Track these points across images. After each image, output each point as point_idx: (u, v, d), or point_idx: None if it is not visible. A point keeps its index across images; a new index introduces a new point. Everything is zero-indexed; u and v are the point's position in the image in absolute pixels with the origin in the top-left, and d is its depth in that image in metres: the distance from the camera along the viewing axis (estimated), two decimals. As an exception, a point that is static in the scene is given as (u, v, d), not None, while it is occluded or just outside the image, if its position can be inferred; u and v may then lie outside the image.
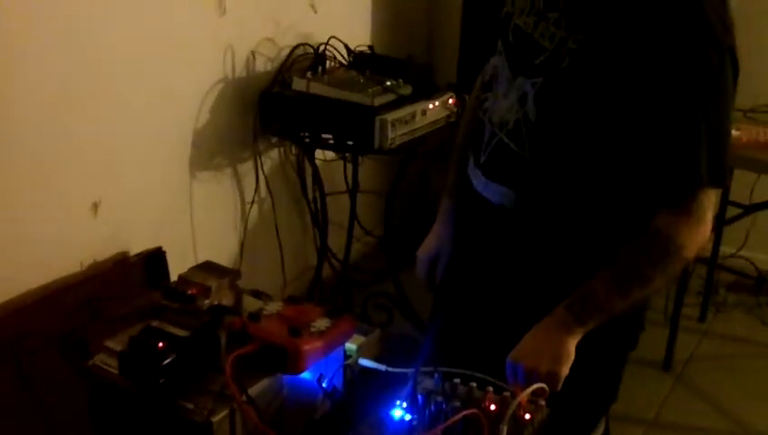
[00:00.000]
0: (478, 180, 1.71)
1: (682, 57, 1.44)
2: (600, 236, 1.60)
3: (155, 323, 1.41)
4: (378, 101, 2.75)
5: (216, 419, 1.30)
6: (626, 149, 1.52)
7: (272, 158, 3.15)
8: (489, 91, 1.72)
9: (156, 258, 2.53)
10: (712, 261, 3.56)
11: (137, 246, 2.55)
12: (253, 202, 3.07)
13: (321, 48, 3.02)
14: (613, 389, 1.79)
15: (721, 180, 1.50)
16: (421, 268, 1.89)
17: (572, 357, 1.51)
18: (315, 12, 3.15)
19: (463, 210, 1.83)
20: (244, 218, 3.07)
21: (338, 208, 3.28)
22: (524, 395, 1.44)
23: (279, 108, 2.89)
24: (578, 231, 1.61)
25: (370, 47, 3.26)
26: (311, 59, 3.01)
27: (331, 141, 2.88)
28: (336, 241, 3.28)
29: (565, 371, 1.51)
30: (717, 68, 1.45)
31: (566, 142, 1.55)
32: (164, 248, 2.56)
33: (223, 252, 2.97)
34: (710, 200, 1.50)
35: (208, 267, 1.64)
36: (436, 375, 1.52)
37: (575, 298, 1.53)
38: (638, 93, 1.47)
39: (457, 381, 1.51)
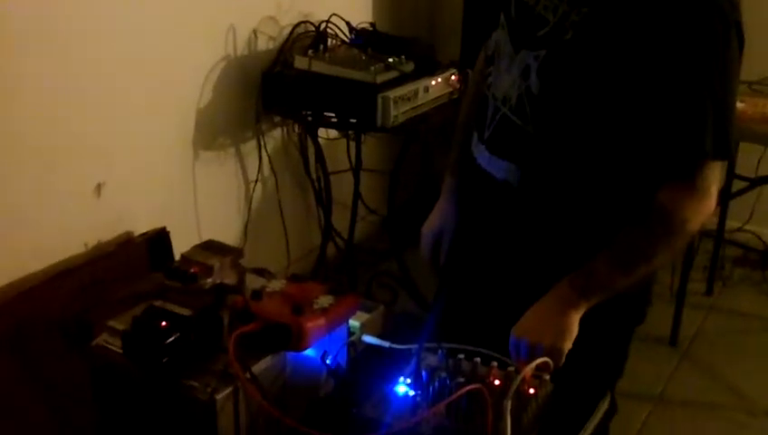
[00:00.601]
0: (482, 156, 1.70)
1: (687, 30, 1.43)
2: (605, 211, 1.59)
3: (158, 303, 1.41)
4: (380, 79, 2.74)
5: (219, 397, 1.30)
6: (630, 122, 1.50)
7: (274, 137, 3.14)
8: (492, 65, 1.71)
9: (160, 239, 2.52)
10: (718, 235, 3.55)
11: (141, 227, 2.54)
12: (256, 182, 3.06)
13: (323, 26, 3.00)
14: (619, 364, 1.79)
15: (726, 153, 1.49)
16: (425, 246, 1.88)
17: (575, 332, 1.51)
18: (316, -11, 3.14)
19: (467, 187, 1.82)
20: (248, 198, 3.06)
21: (341, 187, 3.27)
22: (529, 370, 1.44)
23: (281, 87, 2.88)
24: (582, 206, 1.60)
25: (372, 24, 3.24)
26: (312, 37, 2.99)
27: (334, 120, 2.86)
28: (340, 220, 3.28)
29: (568, 345, 1.50)
30: (723, 41, 1.44)
31: (570, 116, 1.54)
32: (168, 229, 2.56)
33: (227, 232, 2.96)
34: (714, 174, 1.49)
35: (211, 246, 1.64)
36: (439, 351, 1.52)
37: (579, 273, 1.52)
38: (643, 66, 1.45)
39: (461, 356, 1.51)
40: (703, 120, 1.44)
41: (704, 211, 1.50)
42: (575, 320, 1.51)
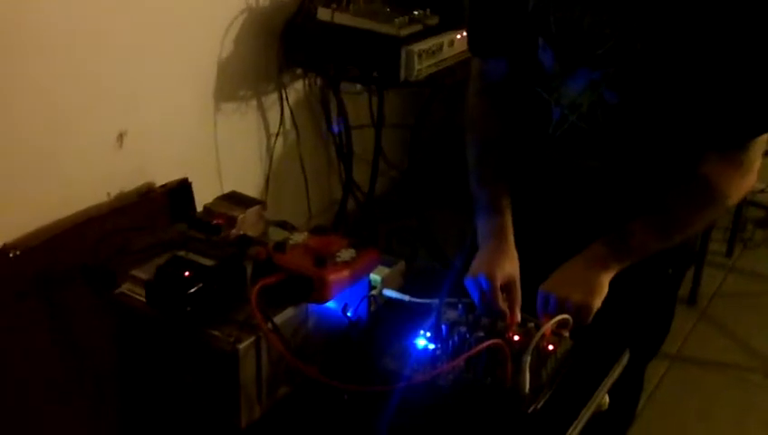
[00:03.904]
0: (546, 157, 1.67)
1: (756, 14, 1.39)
2: (658, 181, 1.58)
3: (181, 253, 1.42)
4: (404, 32, 2.71)
5: (241, 346, 1.31)
6: (700, 103, 1.48)
7: (296, 90, 3.13)
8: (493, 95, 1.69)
9: (182, 190, 2.53)
10: (740, 196, 3.52)
11: (163, 178, 2.55)
12: (278, 135, 3.06)
13: (346, -23, 2.97)
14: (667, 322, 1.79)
15: None
16: (496, 295, 1.52)
17: (605, 291, 1.51)
18: (340, -61, 3.10)
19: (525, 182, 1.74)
20: (270, 151, 3.06)
21: (362, 141, 3.26)
22: (549, 326, 1.45)
23: (303, 39, 2.86)
24: (645, 179, 1.60)
25: (396, -24, 3.20)
26: (335, -12, 2.97)
27: (356, 73, 2.85)
28: (361, 175, 3.28)
29: (597, 303, 1.51)
30: None
31: (646, 118, 1.52)
32: (190, 180, 2.57)
33: (248, 184, 2.97)
34: (760, 150, 1.49)
35: (234, 198, 1.64)
36: (459, 306, 1.53)
37: (615, 235, 1.53)
38: (714, 47, 1.41)
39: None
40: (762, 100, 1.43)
41: (745, 187, 1.51)
42: (606, 279, 1.51)
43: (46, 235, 2.18)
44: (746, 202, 3.60)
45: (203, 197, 1.89)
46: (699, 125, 1.49)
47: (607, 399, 1.53)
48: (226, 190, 1.73)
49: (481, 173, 1.68)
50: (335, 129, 3.18)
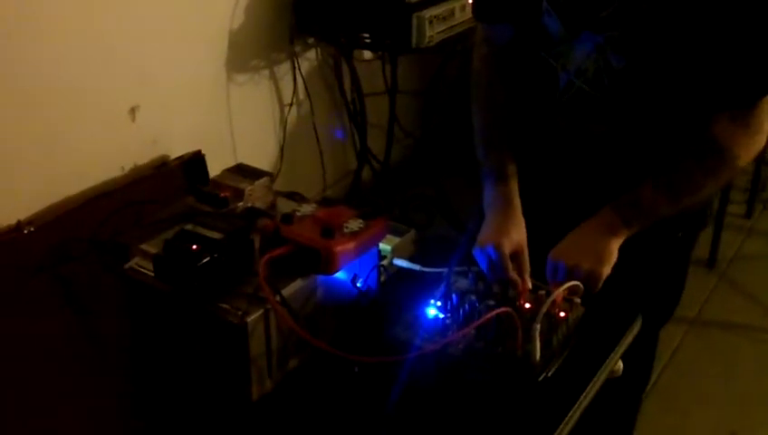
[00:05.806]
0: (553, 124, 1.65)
1: None
2: (664, 145, 1.56)
3: (189, 227, 1.42)
4: (415, -2, 2.69)
5: (250, 319, 1.31)
6: (705, 66, 1.46)
7: (309, 59, 3.11)
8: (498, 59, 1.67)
9: (196, 162, 2.53)
10: (759, 157, 3.47)
11: (177, 151, 2.55)
12: (291, 105, 3.05)
13: (356, -57, 2.93)
14: (678, 290, 1.78)
15: None
16: (505, 263, 1.51)
17: (615, 258, 1.50)
18: None
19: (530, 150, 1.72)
20: (283, 122, 3.05)
21: (377, 110, 3.24)
22: (559, 293, 1.44)
23: (315, 7, 2.84)
24: (650, 144, 1.58)
25: (407, -59, 3.16)
26: (346, -45, 2.93)
27: (368, 40, 2.83)
28: (375, 143, 3.26)
29: (607, 271, 1.49)
30: None
31: (653, 80, 1.50)
32: (204, 152, 2.57)
33: (262, 156, 2.97)
34: None
35: (241, 170, 1.64)
36: (470, 274, 1.53)
37: (624, 201, 1.51)
38: (720, 9, 1.39)
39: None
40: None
41: (755, 148, 1.49)
42: (615, 246, 1.50)
43: (61, 210, 2.19)
44: (765, 162, 3.56)
45: (217, 168, 1.89)
46: (707, 86, 1.47)
47: (621, 365, 1.53)
48: (241, 161, 1.73)
49: (486, 140, 1.67)
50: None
